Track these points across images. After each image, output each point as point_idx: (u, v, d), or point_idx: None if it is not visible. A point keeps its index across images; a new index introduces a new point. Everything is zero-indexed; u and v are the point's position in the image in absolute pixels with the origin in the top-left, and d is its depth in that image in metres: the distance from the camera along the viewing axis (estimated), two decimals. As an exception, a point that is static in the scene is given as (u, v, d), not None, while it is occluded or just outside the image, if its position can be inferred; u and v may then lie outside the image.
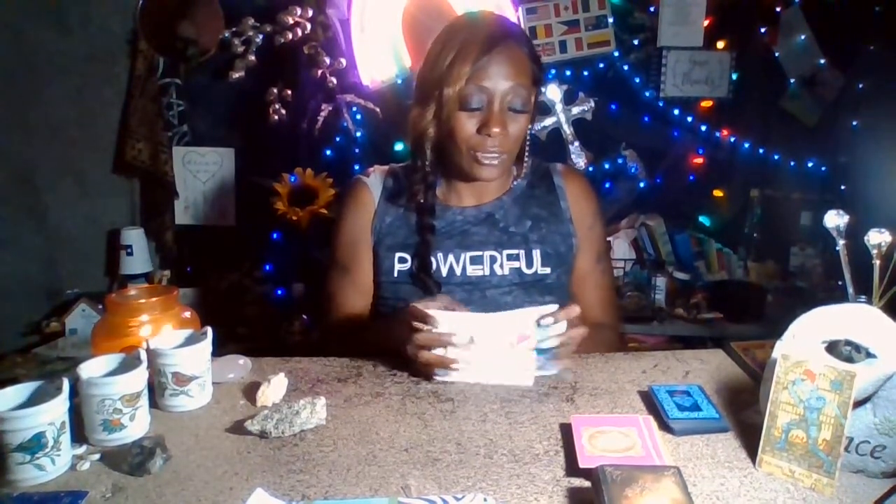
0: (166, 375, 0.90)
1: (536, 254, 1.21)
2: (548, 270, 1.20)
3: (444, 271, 1.19)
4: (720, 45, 2.57)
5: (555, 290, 1.21)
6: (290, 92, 2.30)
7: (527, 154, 1.27)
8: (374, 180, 1.28)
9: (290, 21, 2.24)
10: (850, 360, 0.76)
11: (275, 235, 2.40)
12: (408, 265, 1.20)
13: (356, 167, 2.30)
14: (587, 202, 1.29)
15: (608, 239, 2.39)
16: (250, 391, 0.96)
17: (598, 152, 2.50)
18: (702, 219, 2.74)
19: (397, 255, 1.21)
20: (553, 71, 2.44)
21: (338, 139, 2.37)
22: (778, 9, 2.56)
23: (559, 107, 2.42)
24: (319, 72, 2.26)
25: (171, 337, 0.97)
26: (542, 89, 2.38)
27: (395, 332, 1.04)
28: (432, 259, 1.19)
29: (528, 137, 1.24)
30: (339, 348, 1.15)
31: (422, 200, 1.21)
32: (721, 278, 2.59)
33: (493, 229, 1.22)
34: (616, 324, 1.35)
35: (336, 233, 1.29)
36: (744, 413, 0.88)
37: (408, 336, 1.00)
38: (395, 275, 1.21)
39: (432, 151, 1.20)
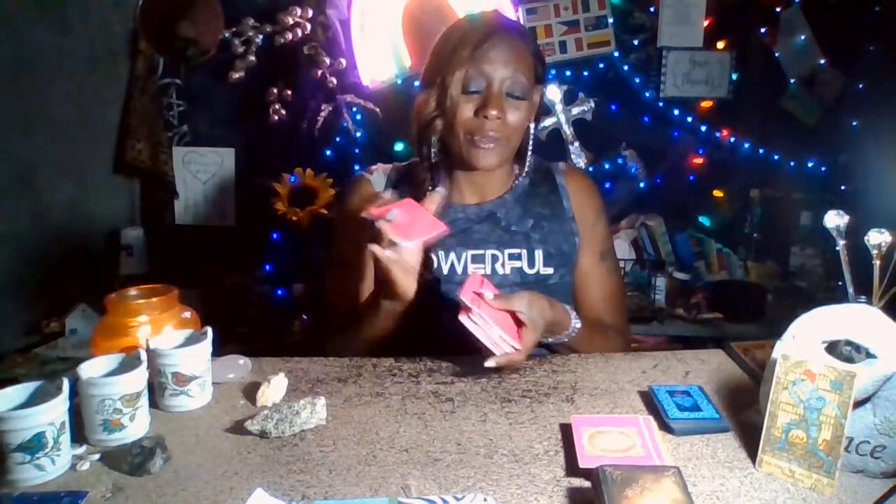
0: (166, 375, 0.90)
1: (539, 253, 1.20)
2: (550, 270, 1.20)
3: (446, 269, 1.18)
4: (720, 45, 2.57)
5: (557, 290, 1.20)
6: (290, 92, 2.30)
7: (530, 151, 1.26)
8: (377, 178, 1.28)
9: (290, 21, 2.24)
10: (850, 360, 0.76)
11: (275, 235, 2.40)
12: None
13: (356, 167, 2.30)
14: (590, 200, 1.28)
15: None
16: (250, 391, 0.96)
17: (598, 152, 2.50)
18: (702, 219, 2.74)
19: None
20: (553, 71, 2.44)
21: (338, 139, 2.37)
22: (778, 9, 2.56)
23: (559, 107, 2.42)
24: (319, 72, 2.26)
25: (171, 337, 0.97)
26: (544, 89, 2.41)
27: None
28: (433, 257, 1.18)
29: (531, 134, 1.24)
30: (344, 349, 1.13)
31: (428, 192, 1.18)
32: (721, 278, 2.58)
33: (494, 228, 1.22)
34: (622, 327, 1.29)
35: (338, 229, 1.28)
36: (744, 413, 0.88)
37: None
38: None
39: (437, 141, 1.20)
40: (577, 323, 1.11)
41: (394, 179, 1.27)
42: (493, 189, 1.25)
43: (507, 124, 1.14)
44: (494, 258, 1.19)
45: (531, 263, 1.20)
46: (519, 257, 1.20)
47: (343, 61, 2.28)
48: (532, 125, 1.23)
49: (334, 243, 1.28)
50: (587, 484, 0.71)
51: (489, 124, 1.12)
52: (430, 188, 1.19)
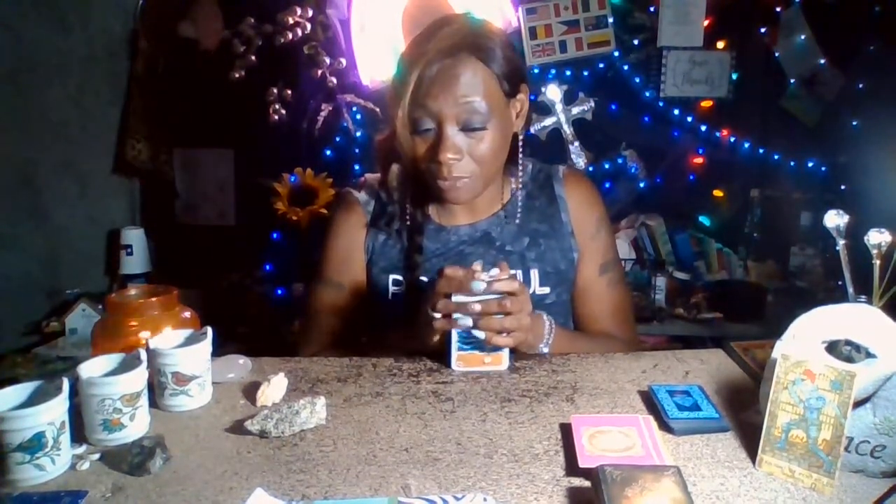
0: (166, 375, 0.90)
1: (534, 273, 1.16)
2: (547, 290, 1.16)
3: None
4: (720, 45, 2.58)
5: (554, 309, 1.17)
6: (290, 92, 2.30)
7: (520, 160, 1.17)
8: (365, 196, 1.22)
9: (290, 21, 2.25)
10: (850, 360, 0.76)
11: (275, 235, 2.40)
12: (402, 288, 1.17)
13: (356, 167, 2.30)
14: (590, 210, 1.22)
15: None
16: (250, 391, 0.96)
17: (598, 152, 2.50)
18: (702, 219, 2.75)
19: (391, 276, 1.17)
20: (553, 71, 2.44)
21: (338, 139, 2.38)
22: (778, 9, 2.57)
23: (559, 107, 2.42)
24: (319, 72, 2.27)
25: (171, 337, 0.97)
26: (543, 89, 2.41)
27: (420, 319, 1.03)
28: (426, 280, 1.15)
29: (520, 141, 1.15)
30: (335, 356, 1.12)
31: (408, 222, 1.17)
32: (721, 278, 2.59)
33: (489, 249, 1.16)
34: (628, 339, 1.22)
35: (326, 249, 1.22)
36: (744, 413, 0.88)
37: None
38: (390, 297, 1.17)
39: (406, 173, 1.15)
40: (549, 323, 1.09)
41: (383, 196, 1.21)
42: (485, 205, 1.19)
43: (472, 159, 1.05)
44: None
45: (527, 284, 1.15)
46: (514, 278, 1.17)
47: (343, 61, 2.28)
48: (519, 133, 1.14)
49: (323, 260, 1.22)
50: (587, 484, 0.71)
51: (445, 168, 1.04)
52: (419, 215, 1.18)
